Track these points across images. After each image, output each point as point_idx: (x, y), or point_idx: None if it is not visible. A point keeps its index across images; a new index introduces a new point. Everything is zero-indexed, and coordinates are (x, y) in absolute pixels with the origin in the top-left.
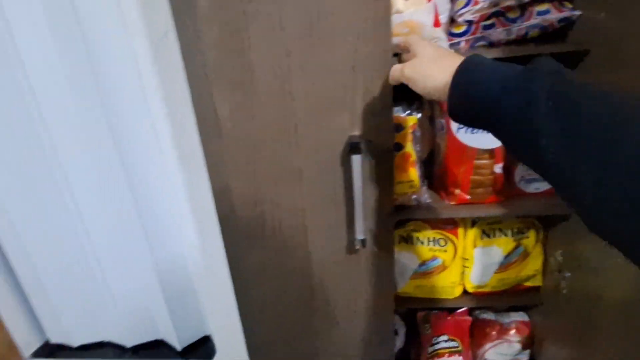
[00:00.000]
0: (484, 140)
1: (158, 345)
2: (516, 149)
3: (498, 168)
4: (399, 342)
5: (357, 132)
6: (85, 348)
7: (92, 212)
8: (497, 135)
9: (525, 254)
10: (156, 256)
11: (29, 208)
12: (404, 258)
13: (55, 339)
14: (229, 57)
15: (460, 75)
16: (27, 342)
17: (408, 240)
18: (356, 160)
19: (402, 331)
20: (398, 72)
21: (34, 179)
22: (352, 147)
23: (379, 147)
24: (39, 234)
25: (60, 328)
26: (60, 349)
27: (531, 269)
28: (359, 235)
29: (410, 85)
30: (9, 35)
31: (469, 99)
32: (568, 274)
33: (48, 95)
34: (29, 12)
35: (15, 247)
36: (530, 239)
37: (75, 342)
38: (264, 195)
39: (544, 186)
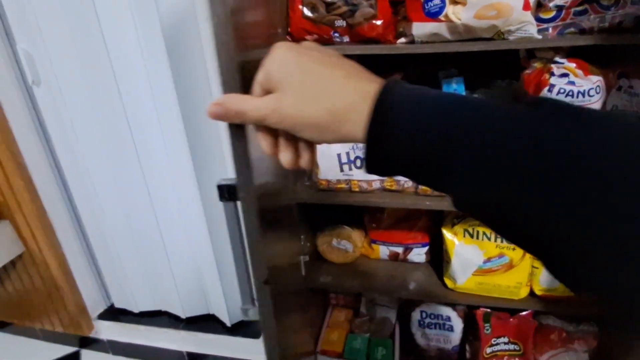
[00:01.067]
0: None
1: (209, 319)
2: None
3: None
4: (455, 339)
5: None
6: (145, 315)
7: (160, 189)
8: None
9: None
10: (215, 236)
11: (109, 185)
12: (467, 252)
13: (119, 304)
14: None
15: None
16: (95, 305)
17: (473, 235)
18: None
19: (458, 328)
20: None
21: (115, 155)
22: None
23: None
24: (113, 209)
25: (124, 295)
26: (123, 313)
27: None
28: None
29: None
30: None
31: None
32: None
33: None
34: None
35: (92, 220)
36: None
37: (137, 308)
38: None
39: None
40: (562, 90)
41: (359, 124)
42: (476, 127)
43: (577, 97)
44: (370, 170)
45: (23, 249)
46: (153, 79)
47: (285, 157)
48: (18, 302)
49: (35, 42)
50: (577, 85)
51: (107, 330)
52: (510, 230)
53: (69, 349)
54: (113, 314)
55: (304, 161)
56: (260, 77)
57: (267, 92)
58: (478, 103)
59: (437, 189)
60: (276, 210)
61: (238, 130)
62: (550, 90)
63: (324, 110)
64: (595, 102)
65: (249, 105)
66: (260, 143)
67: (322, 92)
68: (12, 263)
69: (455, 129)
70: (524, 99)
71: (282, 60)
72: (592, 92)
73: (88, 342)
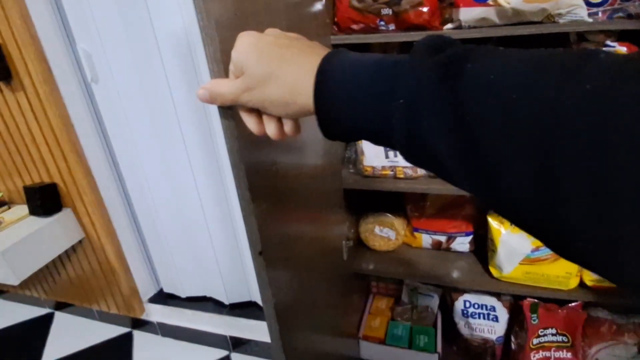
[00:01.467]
0: None
1: (251, 306)
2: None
3: None
4: (500, 329)
5: None
6: (191, 300)
7: (204, 177)
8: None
9: None
10: None
11: (160, 176)
12: (514, 241)
13: (167, 289)
14: None
15: (322, 78)
16: (146, 289)
17: None
18: None
19: (504, 318)
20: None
21: (165, 148)
22: None
23: None
24: (163, 199)
25: (172, 280)
26: (171, 297)
27: None
28: None
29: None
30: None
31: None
32: None
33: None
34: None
35: (144, 209)
36: None
37: (184, 293)
38: None
39: None
40: None
41: (309, 96)
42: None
43: None
44: (327, 136)
45: (83, 235)
46: (199, 77)
47: (270, 129)
48: (78, 285)
49: (93, 41)
50: None
51: (157, 313)
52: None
53: (122, 330)
54: (162, 298)
55: (288, 129)
56: (230, 64)
57: (238, 77)
58: (401, 59)
59: (390, 147)
60: (312, 192)
61: (226, 110)
62: None
63: (280, 87)
64: None
65: (225, 88)
66: (246, 124)
67: (277, 70)
68: (73, 248)
69: (383, 86)
70: None
71: (242, 47)
72: None
73: (140, 324)
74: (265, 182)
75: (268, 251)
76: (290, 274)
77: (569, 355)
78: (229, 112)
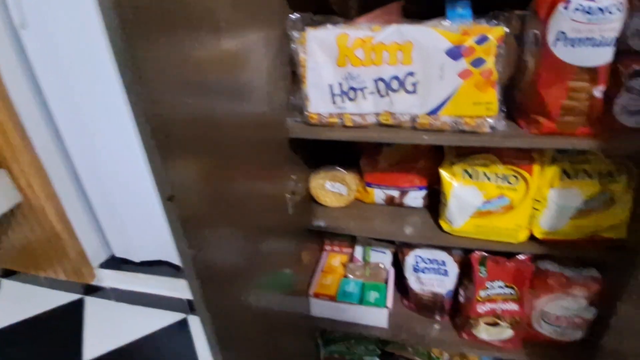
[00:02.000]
0: (586, 56)
1: None
2: None
3: (598, 92)
4: (450, 283)
5: None
6: (145, 264)
7: None
8: None
9: (611, 202)
10: None
11: (105, 134)
12: (466, 194)
13: (119, 253)
14: None
15: None
16: (96, 254)
17: (473, 175)
18: None
19: (453, 272)
20: None
21: (111, 102)
22: None
23: None
24: (110, 158)
25: (125, 245)
26: (125, 262)
27: (616, 218)
28: None
29: None
30: None
31: None
32: None
33: None
34: None
35: (88, 170)
36: (620, 185)
37: (137, 258)
38: None
39: None
40: (579, 7)
41: None
42: None
43: (596, 14)
44: None
45: (20, 197)
46: None
47: None
48: (21, 251)
49: None
50: (596, 2)
51: (109, 279)
52: None
53: (73, 296)
54: (115, 263)
55: None
56: None
57: None
58: None
59: None
60: (254, 141)
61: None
62: (566, 8)
63: None
64: (615, 22)
65: None
66: None
67: None
68: (12, 212)
69: None
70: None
71: None
72: (612, 10)
73: (91, 290)
74: (183, 128)
75: (185, 198)
76: (222, 227)
77: (516, 307)
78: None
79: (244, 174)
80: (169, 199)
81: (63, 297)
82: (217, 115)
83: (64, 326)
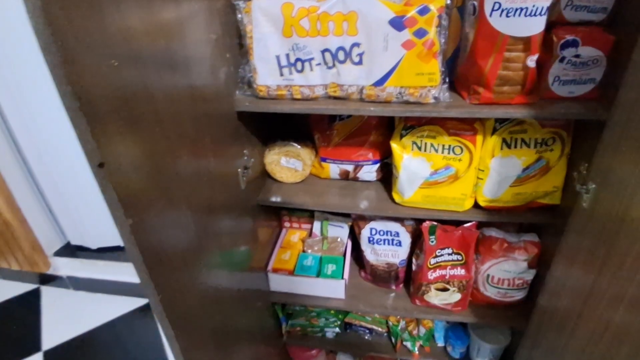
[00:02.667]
0: (520, 25)
1: None
2: None
3: (531, 61)
4: (403, 253)
5: None
6: (103, 250)
7: None
8: None
9: (547, 168)
10: None
11: (52, 118)
12: (415, 165)
13: (75, 241)
14: None
15: None
16: (50, 243)
17: (421, 147)
18: None
19: (406, 242)
20: None
21: (54, 91)
22: None
23: None
24: (58, 144)
25: (79, 232)
26: (81, 249)
27: (550, 184)
28: None
29: None
30: None
31: None
32: (592, 186)
33: None
34: None
35: (37, 157)
36: (555, 153)
37: (94, 244)
38: None
39: (580, 90)
40: None
41: None
42: None
43: None
44: None
45: None
46: None
47: None
48: None
49: None
50: None
51: (66, 267)
52: None
53: (29, 286)
54: (70, 250)
55: None
56: None
57: None
58: None
59: None
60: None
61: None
62: None
63: None
64: None
65: None
66: None
67: None
68: None
69: None
70: None
71: None
72: None
73: (47, 279)
74: (111, 96)
75: (118, 167)
76: (164, 200)
77: (463, 271)
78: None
79: (188, 147)
80: (100, 166)
81: (18, 288)
82: (151, 87)
83: (21, 317)
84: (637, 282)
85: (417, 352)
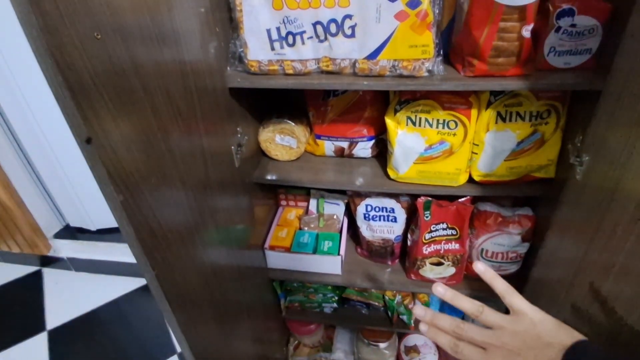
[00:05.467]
0: None
1: None
2: None
3: (526, 31)
4: (399, 229)
5: None
6: (103, 232)
7: None
8: None
9: (542, 141)
10: None
11: (42, 92)
12: (409, 141)
13: (74, 223)
14: None
15: None
16: (49, 225)
17: (416, 122)
18: None
19: (402, 218)
20: None
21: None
22: None
23: None
24: (52, 121)
25: (79, 213)
26: (81, 231)
27: (545, 158)
28: None
29: None
30: None
31: None
32: (586, 158)
33: None
34: None
35: (32, 140)
36: (550, 125)
37: (93, 226)
38: None
39: (576, 61)
40: None
41: None
42: None
43: None
44: None
45: None
46: None
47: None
48: None
49: None
50: None
51: (66, 249)
52: None
53: (30, 269)
54: (70, 232)
55: None
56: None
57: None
58: None
59: None
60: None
61: None
62: None
63: None
64: None
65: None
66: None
67: None
68: None
69: None
70: None
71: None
72: None
73: (49, 261)
74: (95, 69)
75: (106, 143)
76: (157, 177)
77: (457, 246)
78: None
79: (180, 124)
80: (87, 142)
81: (20, 270)
82: (138, 61)
83: (24, 298)
84: (627, 251)
85: (413, 325)
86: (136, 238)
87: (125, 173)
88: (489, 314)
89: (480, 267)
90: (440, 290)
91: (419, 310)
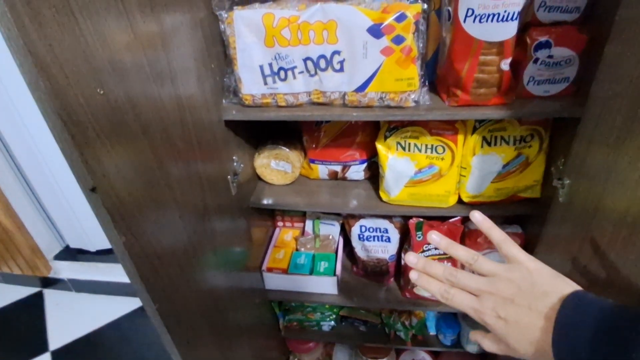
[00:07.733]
0: (493, 31)
1: None
2: None
3: (505, 64)
4: (393, 249)
5: None
6: (102, 252)
7: None
8: None
9: (526, 164)
10: None
11: (45, 127)
12: (400, 165)
13: (74, 244)
14: None
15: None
16: (49, 247)
17: (405, 147)
18: None
19: (395, 238)
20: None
21: None
22: None
23: None
24: (51, 150)
25: (78, 235)
26: (81, 252)
27: (530, 179)
28: None
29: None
30: None
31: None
32: (567, 181)
33: None
34: None
35: (32, 164)
36: (533, 149)
37: (93, 247)
38: None
39: (555, 89)
40: None
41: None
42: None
43: None
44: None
45: None
46: None
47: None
48: None
49: None
50: None
51: (67, 270)
52: None
53: (32, 290)
54: (70, 254)
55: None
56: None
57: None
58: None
59: None
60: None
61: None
62: None
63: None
64: None
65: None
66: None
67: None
68: None
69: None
70: None
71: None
72: None
73: (50, 282)
74: (98, 116)
75: (109, 188)
76: (156, 211)
77: (449, 265)
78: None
79: (177, 157)
80: (92, 190)
81: (22, 291)
82: (138, 103)
83: (26, 319)
84: (609, 266)
85: (409, 341)
86: (139, 276)
87: (128, 215)
88: (484, 262)
89: (478, 217)
90: (435, 238)
91: (411, 257)
